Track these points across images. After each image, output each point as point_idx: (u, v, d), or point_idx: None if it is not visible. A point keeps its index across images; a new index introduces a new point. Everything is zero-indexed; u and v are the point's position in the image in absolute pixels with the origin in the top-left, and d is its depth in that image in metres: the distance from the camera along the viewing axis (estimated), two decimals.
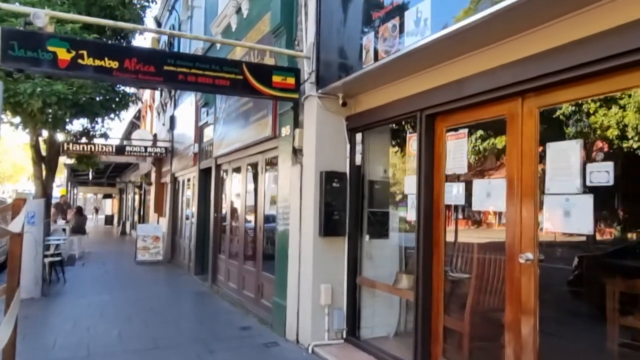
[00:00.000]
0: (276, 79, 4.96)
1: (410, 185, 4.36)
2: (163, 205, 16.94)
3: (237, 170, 8.08)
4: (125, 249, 15.93)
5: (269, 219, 6.66)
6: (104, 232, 27.35)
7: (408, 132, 4.78)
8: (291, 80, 5.05)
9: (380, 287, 4.96)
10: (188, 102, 11.63)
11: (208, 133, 9.88)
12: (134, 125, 23.27)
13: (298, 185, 5.35)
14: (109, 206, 39.98)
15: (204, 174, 10.28)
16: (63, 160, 19.72)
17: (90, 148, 12.41)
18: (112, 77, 4.46)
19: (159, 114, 16.75)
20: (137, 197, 24.15)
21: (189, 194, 11.58)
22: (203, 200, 10.28)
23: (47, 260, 9.08)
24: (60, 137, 12.09)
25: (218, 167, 8.91)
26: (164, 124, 15.42)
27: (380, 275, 5.15)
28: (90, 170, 21.37)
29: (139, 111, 24.17)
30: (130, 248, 16.80)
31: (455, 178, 3.96)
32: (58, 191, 22.50)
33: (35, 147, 11.75)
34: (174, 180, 13.37)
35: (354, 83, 4.69)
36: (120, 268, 11.73)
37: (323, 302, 4.97)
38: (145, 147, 13.10)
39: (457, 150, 3.87)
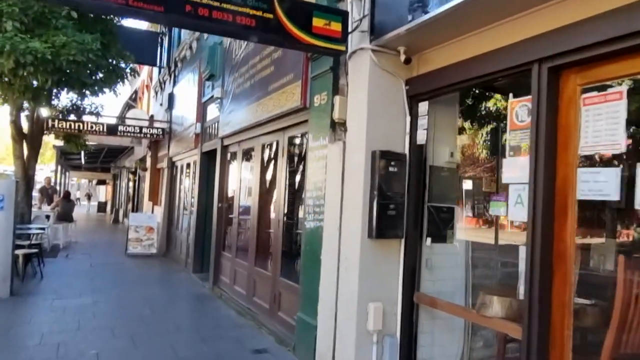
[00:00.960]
0: (317, 22, 3.64)
1: (512, 170, 3.06)
2: (159, 193, 15.65)
3: (249, 152, 6.77)
4: (117, 239, 14.63)
5: (291, 212, 5.37)
6: (96, 219, 26.01)
7: (497, 98, 3.48)
8: (337, 27, 3.73)
9: (453, 311, 3.68)
10: (190, 77, 10.27)
11: (213, 110, 8.55)
12: (129, 107, 21.84)
13: (338, 169, 4.05)
14: (103, 193, 38.56)
15: (207, 157, 8.96)
16: (51, 140, 18.37)
17: (78, 126, 11.06)
18: (92, 2, 3.14)
19: (156, 93, 15.38)
20: (131, 183, 22.79)
21: (189, 180, 10.25)
22: (205, 188, 8.97)
23: (20, 252, 7.76)
24: (44, 112, 10.73)
25: (225, 149, 7.59)
26: (161, 104, 14.06)
27: (442, 292, 3.88)
28: (82, 152, 20.14)
29: (135, 92, 22.78)
30: (122, 238, 15.48)
31: (597, 161, 2.67)
32: (47, 175, 21.18)
33: (16, 123, 10.39)
34: (172, 165, 12.04)
35: (425, 31, 3.38)
36: (109, 261, 10.43)
37: (372, 326, 3.69)
38: (141, 128, 11.76)
39: (603, 120, 2.57)
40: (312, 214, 4.44)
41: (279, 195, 5.51)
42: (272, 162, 6.05)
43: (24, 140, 10.74)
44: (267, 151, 6.20)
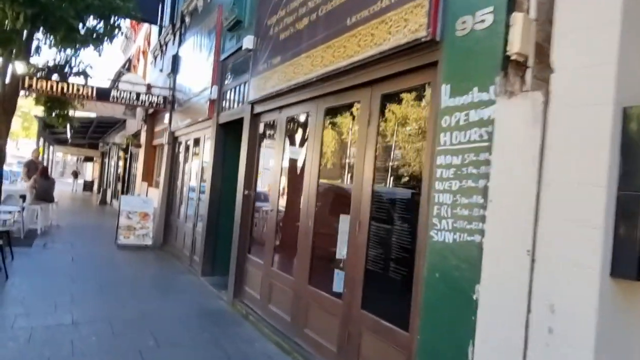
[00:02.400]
0: None
1: None
2: (154, 174, 13.72)
3: (299, 120, 4.94)
4: (105, 224, 12.71)
5: (387, 211, 3.52)
6: (82, 199, 23.94)
7: None
8: None
9: None
10: (202, 32, 8.30)
11: (236, 70, 6.64)
12: (121, 75, 19.68)
13: (527, 143, 2.22)
14: (90, 171, 36.30)
15: (225, 130, 7.06)
16: (31, 108, 16.35)
17: (62, 87, 9.04)
18: None
19: (155, 58, 13.33)
20: (121, 162, 20.75)
21: (198, 160, 8.34)
22: (220, 170, 7.09)
23: None
24: (20, 68, 8.70)
25: (256, 118, 5.70)
26: (161, 70, 12.04)
27: None
28: (68, 126, 18.02)
29: (129, 61, 20.61)
30: (110, 222, 13.53)
31: None
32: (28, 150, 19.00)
33: None
34: (174, 141, 10.09)
35: None
36: (95, 254, 8.53)
37: None
38: (138, 94, 9.77)
39: None
40: (448, 219, 2.61)
41: (362, 184, 3.63)
42: (346, 134, 4.19)
43: None
44: (337, 118, 4.33)
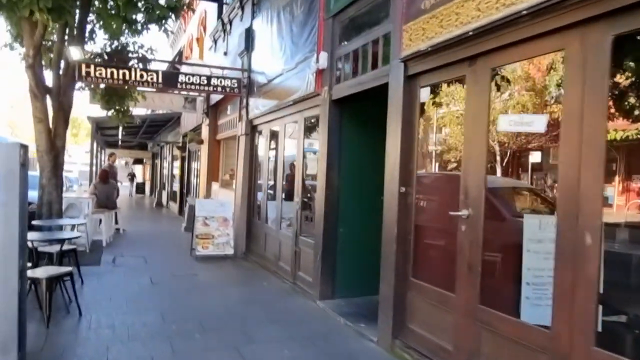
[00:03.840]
0: None
1: None
2: (219, 172, 12.30)
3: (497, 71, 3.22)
4: (169, 229, 11.40)
5: None
6: (138, 202, 23.08)
7: None
8: None
9: None
10: None
11: (359, 23, 4.93)
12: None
13: None
14: (140, 173, 35.82)
15: (340, 108, 5.37)
16: (84, 109, 15.44)
17: (123, 74, 7.61)
18: None
19: (215, 41, 11.84)
20: (177, 162, 19.61)
21: (294, 150, 6.68)
22: (336, 161, 5.42)
23: (41, 274, 4.44)
24: (75, 54, 7.32)
25: (411, 81, 3.93)
26: (225, 53, 10.52)
27: None
28: (121, 126, 16.94)
29: (180, 54, 19.35)
30: (174, 227, 12.25)
31: None
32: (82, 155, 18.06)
33: (34, 69, 7.02)
34: (252, 130, 8.52)
35: None
36: (175, 271, 7.06)
37: None
38: (208, 78, 8.25)
39: None
40: None
41: None
42: None
43: (48, 95, 7.42)
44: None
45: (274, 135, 7.60)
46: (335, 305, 5.21)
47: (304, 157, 6.20)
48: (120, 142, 25.79)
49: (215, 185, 10.79)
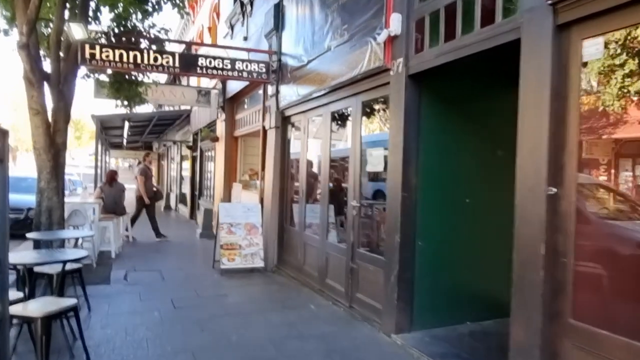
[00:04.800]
0: None
1: None
2: (237, 172, 11.13)
3: None
4: (181, 233, 10.21)
5: None
6: None
7: None
8: None
9: None
10: None
11: None
12: (174, 80, 17.17)
13: None
14: None
15: (417, 87, 4.17)
16: (79, 111, 14.10)
17: (135, 57, 6.43)
18: None
19: (232, 27, 10.64)
20: (186, 162, 18.44)
21: (352, 139, 5.46)
22: (414, 156, 4.20)
23: (38, 311, 3.26)
24: (77, 33, 6.13)
25: (563, 33, 2.72)
26: (245, 38, 9.33)
27: None
28: (126, 125, 15.76)
29: (189, 48, 18.14)
30: (187, 232, 11.05)
31: None
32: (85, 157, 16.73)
33: (29, 49, 5.85)
34: (284, 122, 7.31)
35: None
36: (199, 290, 5.86)
37: None
38: (233, 61, 7.04)
39: None
40: None
41: None
42: None
43: (46, 83, 6.24)
44: None
45: (313, 126, 6.40)
46: (417, 341, 4.01)
47: (362, 150, 4.99)
48: (125, 143, 24.67)
49: (237, 187, 9.58)
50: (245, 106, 10.63)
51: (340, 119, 5.73)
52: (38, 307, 3.38)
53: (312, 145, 6.49)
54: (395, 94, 4.28)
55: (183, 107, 16.29)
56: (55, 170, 6.27)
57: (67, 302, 3.53)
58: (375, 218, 4.92)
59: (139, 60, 6.52)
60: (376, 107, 4.96)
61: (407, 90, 4.14)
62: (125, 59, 6.46)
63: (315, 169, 6.45)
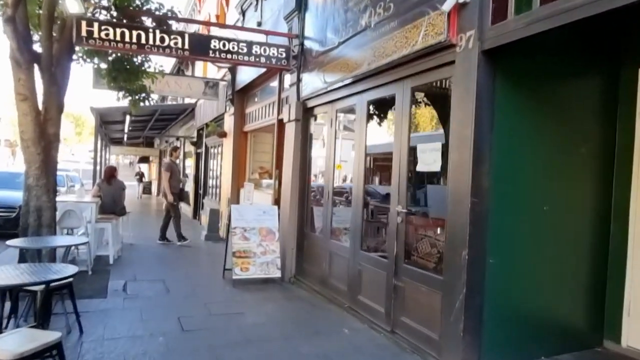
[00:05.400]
0: None
1: None
2: (246, 170, 10.31)
3: None
4: (185, 235, 9.31)
5: None
6: (145, 204, 21.05)
7: None
8: None
9: None
10: None
11: None
12: (179, 71, 16.35)
13: None
14: (146, 172, 33.80)
15: (491, 66, 3.34)
16: (79, 107, 13.34)
17: (138, 36, 5.60)
18: None
19: (243, 13, 9.80)
20: (190, 159, 17.63)
21: (387, 137, 4.65)
22: (487, 151, 3.36)
23: (3, 347, 2.41)
24: (73, 6, 5.29)
25: None
26: (259, 24, 8.50)
27: None
28: (127, 119, 14.92)
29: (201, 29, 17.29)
30: (188, 230, 10.19)
31: None
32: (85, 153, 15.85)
33: (13, 22, 5.01)
34: (306, 114, 6.48)
35: None
36: (210, 307, 5.03)
37: None
38: (250, 43, 6.20)
39: None
40: None
41: None
42: None
43: (37, 66, 5.42)
44: None
45: (344, 119, 5.57)
46: None
47: (410, 147, 4.15)
48: (126, 138, 23.84)
49: (248, 186, 8.75)
50: (257, 99, 9.82)
51: (379, 109, 4.89)
52: (10, 343, 2.56)
53: (341, 140, 5.66)
54: (462, 76, 3.45)
55: (187, 101, 15.50)
56: (45, 165, 5.44)
57: (50, 337, 2.70)
58: (426, 228, 4.10)
59: (143, 40, 5.70)
60: (430, 93, 4.14)
61: (479, 70, 3.31)
62: (127, 39, 5.64)
63: (344, 168, 5.63)
